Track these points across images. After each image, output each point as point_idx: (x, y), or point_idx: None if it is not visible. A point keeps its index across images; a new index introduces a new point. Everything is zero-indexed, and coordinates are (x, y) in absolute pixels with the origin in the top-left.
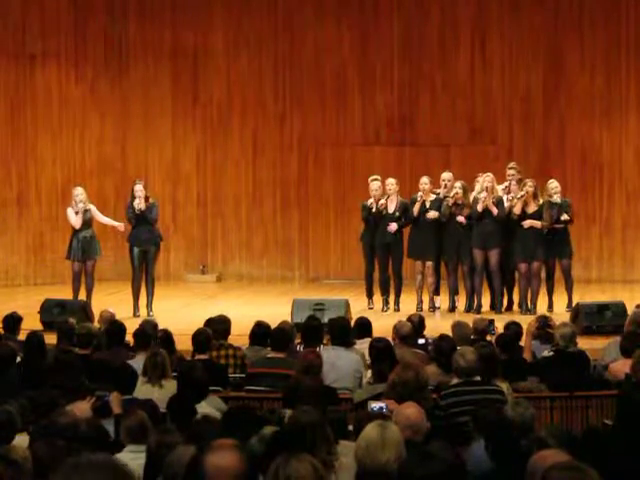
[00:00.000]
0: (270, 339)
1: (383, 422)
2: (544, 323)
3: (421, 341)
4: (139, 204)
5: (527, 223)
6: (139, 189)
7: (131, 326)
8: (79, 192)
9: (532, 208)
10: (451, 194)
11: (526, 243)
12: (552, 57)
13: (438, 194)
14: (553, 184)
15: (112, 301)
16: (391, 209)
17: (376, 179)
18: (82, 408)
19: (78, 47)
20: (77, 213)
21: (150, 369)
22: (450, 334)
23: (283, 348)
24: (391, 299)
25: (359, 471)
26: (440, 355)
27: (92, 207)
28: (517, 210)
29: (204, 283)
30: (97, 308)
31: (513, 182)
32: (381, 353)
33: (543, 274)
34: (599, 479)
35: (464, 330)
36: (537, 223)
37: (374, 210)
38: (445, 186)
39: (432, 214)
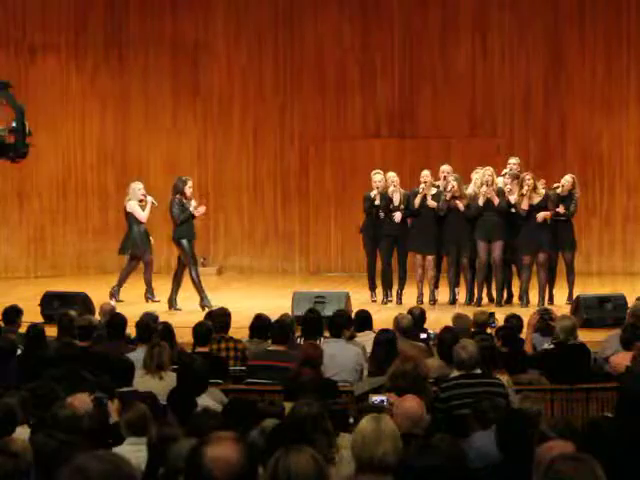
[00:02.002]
0: (270, 332)
1: (378, 415)
2: (545, 316)
3: (423, 336)
4: (200, 210)
5: (540, 216)
6: (190, 186)
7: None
8: (141, 186)
9: (536, 199)
10: (447, 188)
11: (532, 235)
12: (552, 49)
13: (438, 186)
14: (565, 177)
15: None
16: (396, 201)
17: (379, 172)
18: (82, 400)
19: (78, 39)
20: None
21: (148, 361)
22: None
23: (283, 341)
24: (394, 291)
25: (357, 465)
26: (443, 347)
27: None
28: (525, 206)
29: (205, 276)
30: (100, 301)
31: (511, 172)
32: (385, 345)
33: None
34: (602, 470)
35: (465, 323)
36: (548, 214)
37: (377, 202)
38: (444, 178)
39: (431, 202)
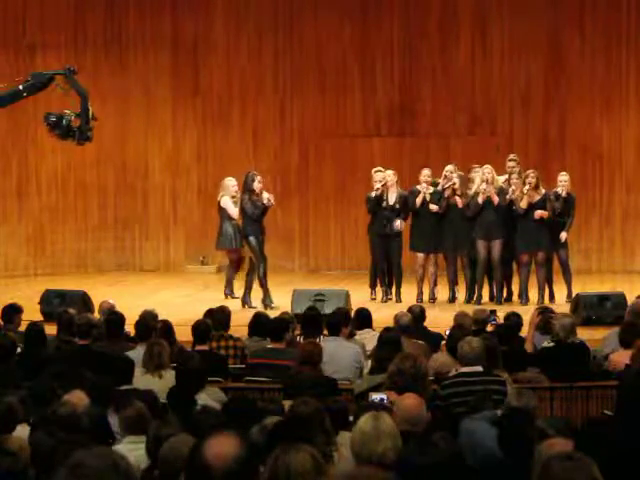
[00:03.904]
0: (270, 330)
1: (376, 413)
2: (547, 314)
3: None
4: (270, 199)
5: (538, 214)
6: (260, 180)
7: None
8: (234, 182)
9: (535, 198)
10: (446, 185)
11: (529, 234)
12: (552, 47)
13: (437, 184)
14: (562, 177)
15: (113, 293)
16: (391, 200)
17: (379, 170)
18: (80, 397)
19: (78, 38)
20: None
21: (147, 359)
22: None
23: (283, 339)
24: (392, 290)
25: (356, 462)
26: (452, 343)
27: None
28: (523, 204)
29: (204, 274)
30: (99, 299)
31: (514, 175)
32: (389, 344)
33: None
34: (597, 469)
35: (467, 321)
36: (545, 213)
37: (373, 197)
38: (445, 177)
39: (434, 207)
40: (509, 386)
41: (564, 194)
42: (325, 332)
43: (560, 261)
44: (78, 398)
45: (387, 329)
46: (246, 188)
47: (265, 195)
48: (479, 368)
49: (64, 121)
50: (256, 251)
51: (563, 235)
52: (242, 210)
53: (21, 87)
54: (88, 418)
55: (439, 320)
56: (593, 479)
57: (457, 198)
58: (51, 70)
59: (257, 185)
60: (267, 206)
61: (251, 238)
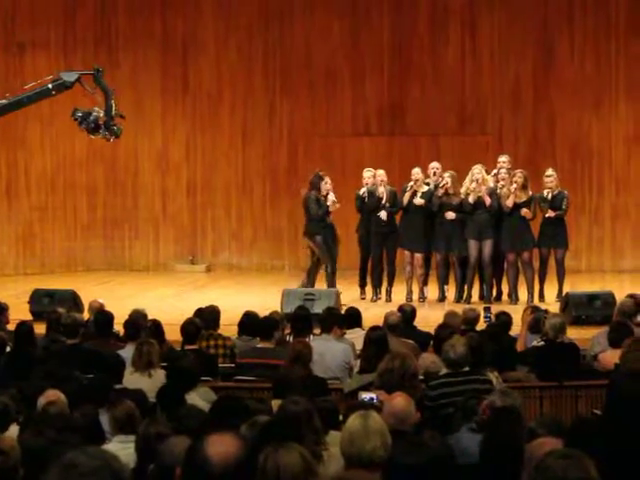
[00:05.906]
0: (259, 329)
1: (365, 412)
2: (541, 314)
3: None
4: (335, 202)
5: (524, 211)
6: (327, 181)
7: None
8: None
9: (522, 198)
10: (440, 184)
11: (514, 233)
12: (542, 46)
13: (428, 183)
14: (548, 172)
15: (102, 292)
16: (383, 199)
17: (369, 170)
18: (56, 395)
19: (67, 36)
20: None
21: (136, 358)
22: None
23: (272, 338)
24: (383, 289)
25: (346, 462)
26: (440, 343)
27: None
28: (509, 203)
29: (193, 273)
30: (89, 298)
31: (503, 170)
32: (376, 343)
33: (536, 263)
34: (594, 467)
35: (456, 320)
36: (529, 213)
37: (367, 200)
38: (434, 173)
39: (419, 201)
40: (497, 385)
41: (549, 197)
42: (316, 331)
43: (556, 260)
44: (54, 395)
45: (373, 328)
46: (313, 187)
47: (330, 197)
48: (466, 368)
49: (92, 117)
50: (322, 249)
51: (550, 213)
52: (306, 209)
53: (50, 86)
54: (81, 417)
55: (429, 319)
56: (590, 476)
57: (450, 214)
58: (80, 70)
59: (324, 186)
60: (329, 208)
61: (317, 237)
